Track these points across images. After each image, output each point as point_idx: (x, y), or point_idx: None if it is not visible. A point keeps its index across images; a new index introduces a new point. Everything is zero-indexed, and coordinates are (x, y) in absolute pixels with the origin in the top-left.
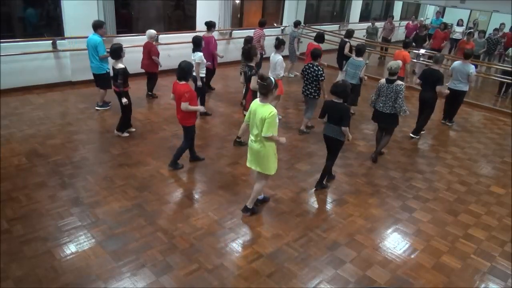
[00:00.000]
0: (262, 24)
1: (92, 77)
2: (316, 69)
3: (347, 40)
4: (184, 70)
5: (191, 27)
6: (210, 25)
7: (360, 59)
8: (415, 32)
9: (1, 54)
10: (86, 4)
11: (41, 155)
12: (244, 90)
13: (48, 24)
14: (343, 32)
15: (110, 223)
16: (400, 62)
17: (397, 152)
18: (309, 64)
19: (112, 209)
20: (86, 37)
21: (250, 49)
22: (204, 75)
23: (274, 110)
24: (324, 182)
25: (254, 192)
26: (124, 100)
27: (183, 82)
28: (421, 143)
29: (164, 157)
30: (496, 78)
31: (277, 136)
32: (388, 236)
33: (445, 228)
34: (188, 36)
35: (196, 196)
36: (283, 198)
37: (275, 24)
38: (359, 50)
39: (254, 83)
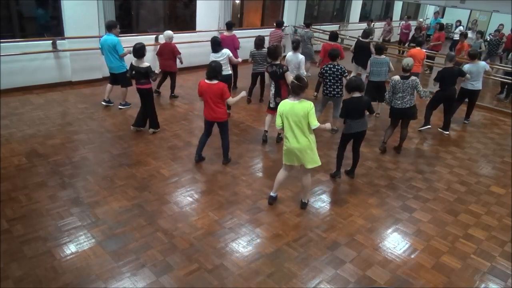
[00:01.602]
0: (280, 25)
1: (92, 77)
2: (339, 67)
3: (367, 40)
4: (215, 70)
5: (191, 27)
6: (231, 25)
7: (383, 56)
8: (412, 34)
9: (1, 54)
10: (86, 4)
11: (41, 155)
12: (273, 89)
13: (54, 24)
14: (343, 32)
15: (110, 223)
16: (412, 60)
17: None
18: (330, 65)
19: (112, 209)
20: (86, 37)
21: (276, 48)
22: (229, 72)
23: (311, 102)
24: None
25: (305, 188)
26: (157, 69)
27: (215, 81)
28: (421, 143)
29: (164, 157)
30: (497, 79)
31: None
32: (388, 236)
33: (445, 228)
34: (188, 36)
35: (196, 196)
36: (283, 198)
37: (275, 24)
38: (380, 49)
39: (289, 80)
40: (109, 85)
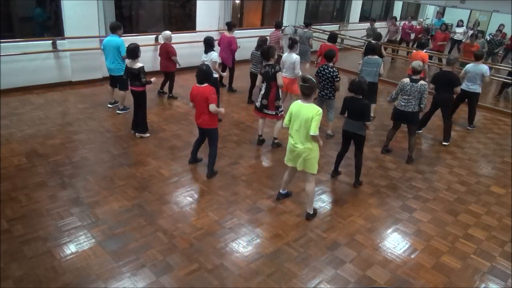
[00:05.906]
0: (278, 26)
1: (92, 77)
2: (331, 70)
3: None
4: (206, 73)
5: (191, 27)
6: (231, 25)
7: (376, 56)
8: (420, 36)
9: (1, 54)
10: (86, 4)
11: (41, 155)
12: (263, 89)
13: (51, 24)
14: (343, 32)
15: (110, 223)
16: (421, 62)
17: (397, 152)
18: (324, 66)
19: (112, 209)
20: (86, 37)
21: (269, 49)
22: (216, 76)
23: (320, 109)
24: (360, 179)
25: (309, 196)
26: (153, 79)
27: (206, 85)
28: (421, 143)
29: (164, 157)
30: (498, 79)
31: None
32: (388, 236)
33: (445, 228)
34: (188, 36)
35: (196, 196)
36: (284, 198)
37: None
38: (374, 49)
39: (280, 80)
40: (110, 87)
